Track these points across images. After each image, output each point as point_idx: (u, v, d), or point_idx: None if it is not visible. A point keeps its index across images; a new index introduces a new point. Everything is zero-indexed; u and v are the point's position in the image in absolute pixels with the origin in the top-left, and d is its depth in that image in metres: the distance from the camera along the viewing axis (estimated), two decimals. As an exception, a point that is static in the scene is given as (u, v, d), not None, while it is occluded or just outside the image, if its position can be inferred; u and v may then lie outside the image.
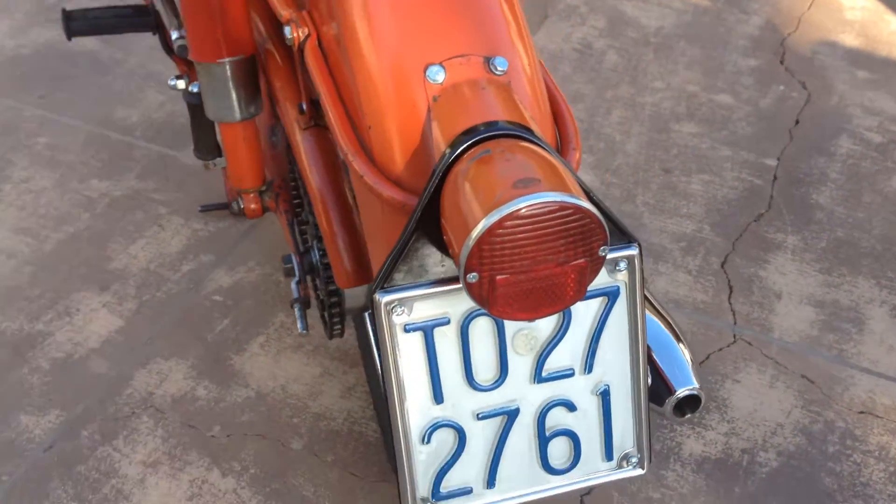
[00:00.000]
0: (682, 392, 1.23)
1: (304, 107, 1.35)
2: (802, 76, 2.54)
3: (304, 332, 1.46)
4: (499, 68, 1.05)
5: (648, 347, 1.27)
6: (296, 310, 1.47)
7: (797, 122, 2.39)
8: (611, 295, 1.08)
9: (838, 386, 1.83)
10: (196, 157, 1.82)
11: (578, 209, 0.93)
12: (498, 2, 1.10)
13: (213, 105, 1.48)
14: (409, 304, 1.03)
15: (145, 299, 2.00)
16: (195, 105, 1.65)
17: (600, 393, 1.13)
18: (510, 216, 0.91)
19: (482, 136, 0.98)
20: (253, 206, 1.64)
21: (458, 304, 1.04)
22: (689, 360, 1.27)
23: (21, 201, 2.23)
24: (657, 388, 1.25)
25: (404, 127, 1.05)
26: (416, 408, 1.08)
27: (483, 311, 1.04)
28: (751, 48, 2.59)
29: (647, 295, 1.35)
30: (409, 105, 1.05)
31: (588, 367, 1.11)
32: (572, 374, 1.11)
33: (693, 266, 2.03)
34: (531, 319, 0.99)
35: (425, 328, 1.04)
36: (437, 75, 1.04)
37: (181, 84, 1.65)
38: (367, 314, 1.47)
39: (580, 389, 1.12)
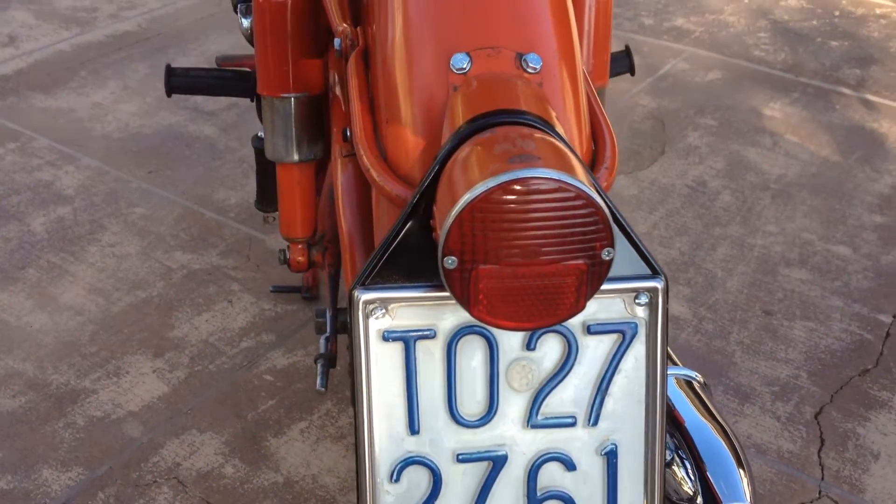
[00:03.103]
0: None
1: (349, 133, 1.27)
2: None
3: (322, 389, 1.34)
4: (531, 65, 0.94)
5: (697, 453, 1.11)
6: (318, 365, 1.35)
7: (922, 284, 2.19)
8: (627, 333, 0.92)
9: (937, 569, 1.59)
10: (257, 208, 1.77)
11: (581, 195, 0.79)
12: None
13: (272, 143, 1.42)
14: (392, 307, 0.90)
15: (196, 370, 1.93)
16: (262, 152, 1.60)
17: (606, 453, 0.95)
18: (500, 189, 0.78)
19: (491, 122, 0.87)
20: (300, 258, 1.54)
21: (448, 316, 0.90)
22: (744, 476, 1.09)
23: (102, 263, 2.21)
24: (701, 501, 1.08)
25: (420, 117, 0.95)
26: (386, 435, 0.92)
27: (476, 328, 0.90)
28: (878, 205, 2.42)
29: (705, 397, 1.19)
30: (426, 94, 0.94)
31: (593, 418, 0.94)
32: (573, 424, 0.94)
33: (783, 412, 1.83)
34: (520, 329, 0.85)
35: (406, 339, 0.90)
36: (462, 63, 0.94)
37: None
38: None
39: (582, 444, 0.95)
